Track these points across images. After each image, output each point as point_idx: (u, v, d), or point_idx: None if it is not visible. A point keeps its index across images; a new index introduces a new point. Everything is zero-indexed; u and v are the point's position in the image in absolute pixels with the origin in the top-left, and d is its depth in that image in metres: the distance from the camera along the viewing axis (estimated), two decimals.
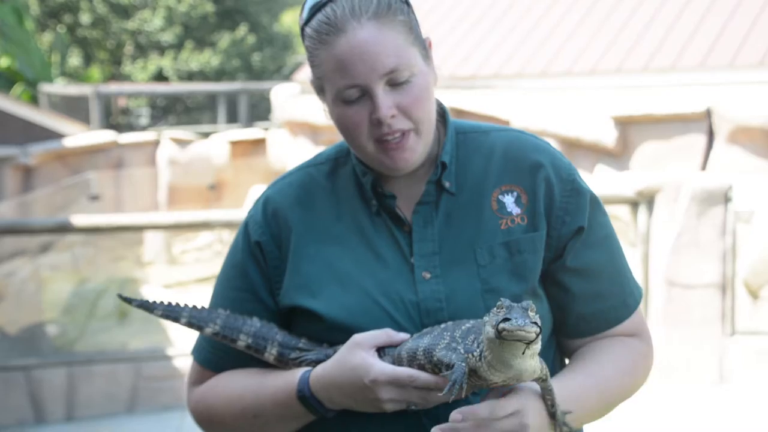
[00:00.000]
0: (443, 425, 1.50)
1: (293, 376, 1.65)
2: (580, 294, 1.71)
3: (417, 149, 1.64)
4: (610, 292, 1.73)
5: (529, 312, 1.38)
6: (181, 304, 1.70)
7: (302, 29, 1.65)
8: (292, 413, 1.66)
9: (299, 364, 1.68)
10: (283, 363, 1.70)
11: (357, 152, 1.68)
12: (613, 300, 1.73)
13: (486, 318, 1.43)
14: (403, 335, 1.60)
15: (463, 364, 1.45)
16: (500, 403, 1.49)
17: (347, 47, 1.57)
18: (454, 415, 1.48)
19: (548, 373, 1.50)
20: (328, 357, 1.65)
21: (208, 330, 1.70)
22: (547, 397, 1.53)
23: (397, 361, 1.56)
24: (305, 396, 1.62)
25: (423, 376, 1.52)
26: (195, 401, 1.80)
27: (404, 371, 1.53)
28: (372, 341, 1.58)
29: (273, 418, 1.68)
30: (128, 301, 1.70)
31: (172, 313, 1.69)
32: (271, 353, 1.69)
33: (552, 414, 1.53)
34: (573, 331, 1.73)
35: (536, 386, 1.53)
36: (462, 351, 1.47)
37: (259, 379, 1.71)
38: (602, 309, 1.72)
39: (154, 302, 1.69)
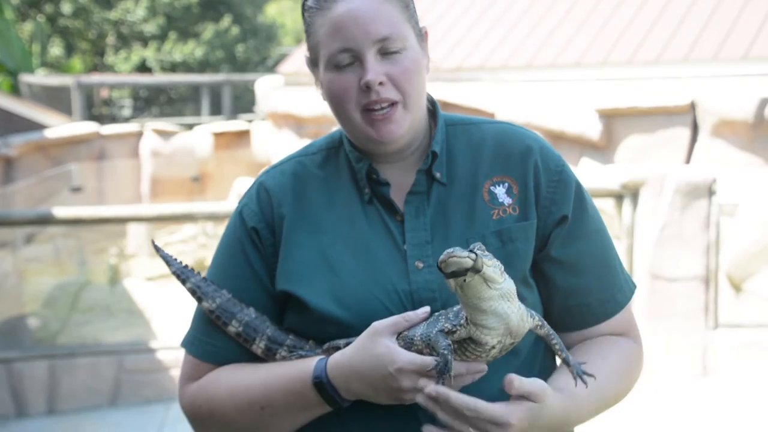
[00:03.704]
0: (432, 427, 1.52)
1: (308, 364, 1.63)
2: (564, 286, 1.71)
3: (403, 124, 1.65)
4: (598, 287, 1.73)
5: (475, 250, 1.42)
6: (195, 271, 1.75)
7: (303, 5, 1.70)
8: (304, 403, 1.63)
9: (291, 359, 1.68)
10: (270, 357, 1.70)
11: (344, 124, 1.69)
12: (600, 295, 1.73)
13: None
14: (422, 314, 1.57)
15: (447, 354, 1.47)
16: (491, 405, 1.48)
17: (344, 10, 1.62)
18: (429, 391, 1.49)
19: (543, 321, 1.54)
20: (319, 352, 1.65)
21: (206, 305, 1.71)
22: (553, 343, 1.56)
23: (412, 347, 1.55)
24: (322, 383, 1.59)
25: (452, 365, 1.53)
26: (192, 396, 1.75)
27: (432, 360, 1.51)
28: (393, 328, 1.56)
29: (282, 408, 1.65)
30: (156, 248, 1.77)
31: (183, 274, 1.74)
32: (259, 346, 1.70)
33: (565, 361, 1.55)
34: (559, 324, 1.72)
35: (545, 393, 1.51)
36: (450, 327, 1.50)
37: (269, 370, 1.68)
38: (588, 303, 1.72)
39: (175, 259, 1.76)
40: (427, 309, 1.57)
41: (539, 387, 1.49)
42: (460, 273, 1.40)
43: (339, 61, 1.63)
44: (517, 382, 1.48)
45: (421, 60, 1.67)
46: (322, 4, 1.64)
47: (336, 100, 1.66)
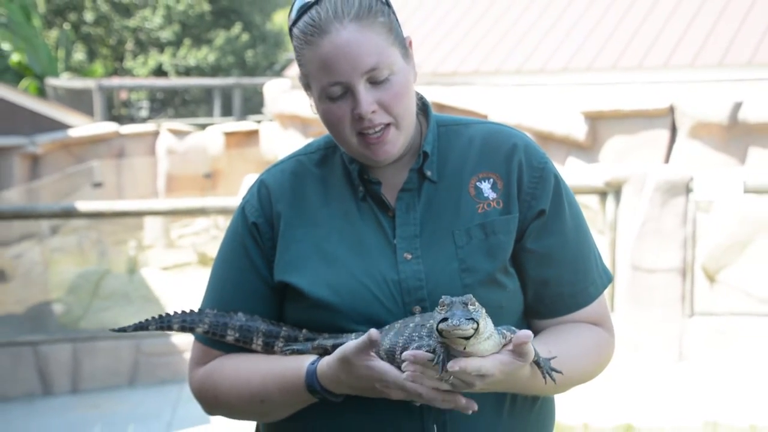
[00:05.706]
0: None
1: (300, 368, 1.63)
2: (536, 276, 1.70)
3: (397, 143, 1.65)
4: (571, 279, 1.71)
5: (468, 306, 1.39)
6: (171, 313, 1.73)
7: (290, 30, 1.66)
8: (299, 400, 1.65)
9: (285, 354, 1.69)
10: (270, 351, 1.71)
11: (342, 145, 1.68)
12: (573, 287, 1.71)
13: (434, 315, 1.43)
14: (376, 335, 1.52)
15: (440, 351, 1.44)
16: (485, 361, 1.45)
17: (331, 47, 1.58)
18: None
19: (513, 332, 1.47)
20: (310, 348, 1.66)
21: (199, 330, 1.71)
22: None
23: (394, 363, 1.52)
24: (315, 389, 1.61)
25: (431, 394, 1.50)
26: (200, 380, 1.75)
27: (414, 389, 1.50)
28: (362, 352, 1.52)
29: (280, 403, 1.67)
30: (123, 330, 1.75)
31: (163, 323, 1.72)
32: (257, 344, 1.70)
33: (536, 362, 1.51)
34: (533, 312, 1.72)
35: (531, 356, 1.49)
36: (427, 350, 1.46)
37: (267, 366, 1.68)
38: (560, 293, 1.71)
39: (147, 321, 1.73)
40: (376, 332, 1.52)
41: (531, 349, 1.48)
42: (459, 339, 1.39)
43: (331, 94, 1.61)
44: (524, 337, 1.45)
45: (409, 77, 1.65)
46: (309, 38, 1.59)
47: (332, 127, 1.65)
